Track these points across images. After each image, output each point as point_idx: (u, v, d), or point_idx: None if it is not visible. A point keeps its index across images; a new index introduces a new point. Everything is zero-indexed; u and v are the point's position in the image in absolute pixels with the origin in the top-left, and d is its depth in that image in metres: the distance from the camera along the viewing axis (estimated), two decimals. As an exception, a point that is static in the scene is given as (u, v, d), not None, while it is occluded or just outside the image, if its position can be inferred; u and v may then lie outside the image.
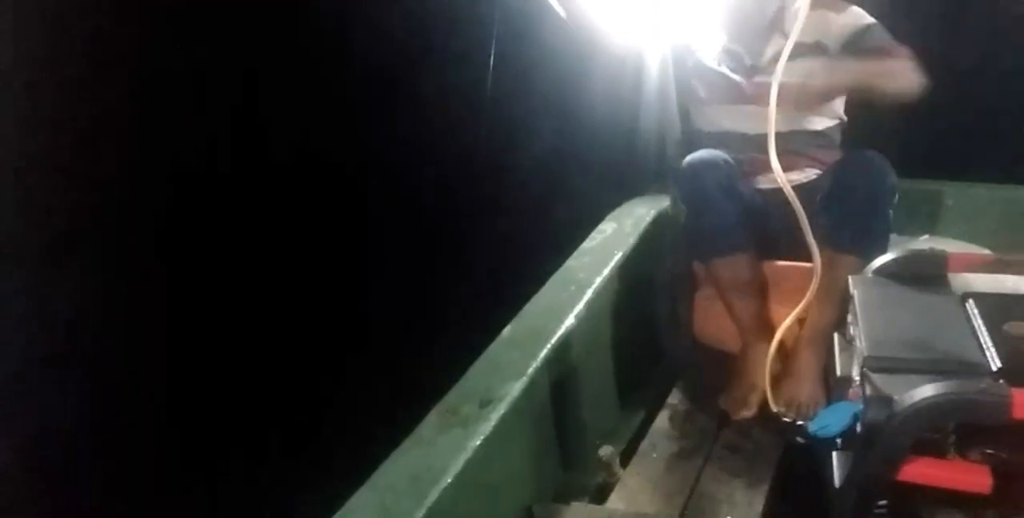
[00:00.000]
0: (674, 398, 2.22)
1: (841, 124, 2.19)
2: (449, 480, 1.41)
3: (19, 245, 2.75)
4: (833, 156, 2.14)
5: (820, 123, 2.14)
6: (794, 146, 2.06)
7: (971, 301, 1.31)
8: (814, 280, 1.45)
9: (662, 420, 2.13)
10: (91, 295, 2.75)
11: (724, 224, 2.01)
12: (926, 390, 1.04)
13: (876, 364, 1.15)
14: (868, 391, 1.11)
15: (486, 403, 1.61)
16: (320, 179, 3.24)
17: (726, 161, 2.05)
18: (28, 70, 2.92)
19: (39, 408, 2.40)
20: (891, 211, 1.95)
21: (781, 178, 1.76)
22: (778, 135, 1.88)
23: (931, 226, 2.52)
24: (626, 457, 2.00)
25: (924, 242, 2.30)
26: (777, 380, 1.80)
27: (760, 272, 2.07)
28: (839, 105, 2.16)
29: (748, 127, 2.08)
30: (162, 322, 2.78)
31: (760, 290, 2.08)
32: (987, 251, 2.20)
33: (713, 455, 1.97)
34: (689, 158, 2.11)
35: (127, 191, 3.07)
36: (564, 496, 1.82)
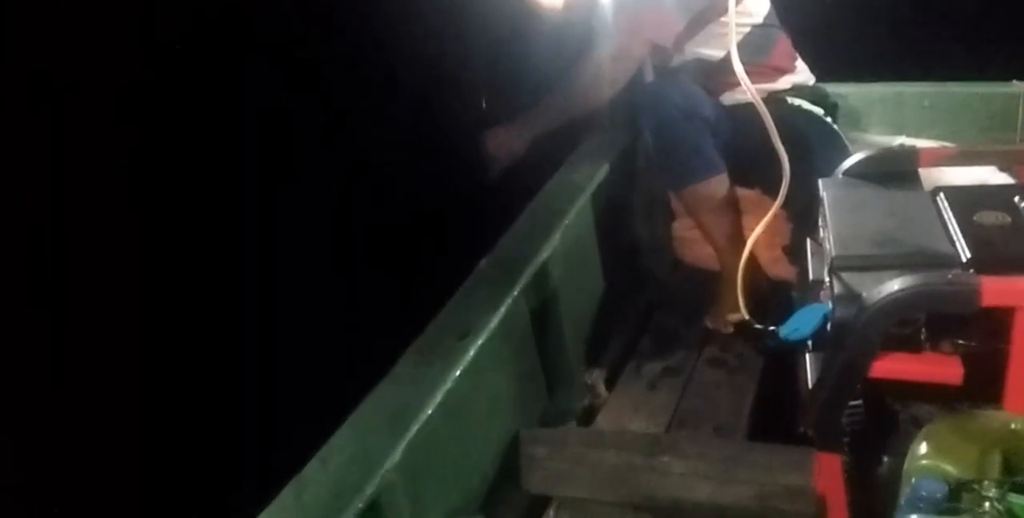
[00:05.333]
0: (657, 319, 2.23)
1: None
2: (429, 412, 1.40)
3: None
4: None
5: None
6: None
7: (941, 194, 1.28)
8: (783, 184, 1.42)
9: (645, 342, 2.14)
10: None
11: (690, 149, 1.96)
12: (893, 284, 1.02)
13: (844, 263, 1.13)
14: (836, 290, 1.09)
15: (464, 335, 1.59)
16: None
17: (686, 84, 2.00)
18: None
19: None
20: None
21: (748, 86, 1.70)
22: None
23: (905, 127, 2.49)
24: (611, 380, 2.01)
25: (898, 142, 2.27)
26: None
27: (732, 192, 2.04)
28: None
29: (708, 49, 2.03)
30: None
31: (734, 208, 2.05)
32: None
33: (696, 371, 1.99)
34: (648, 86, 2.07)
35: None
36: (550, 420, 1.83)
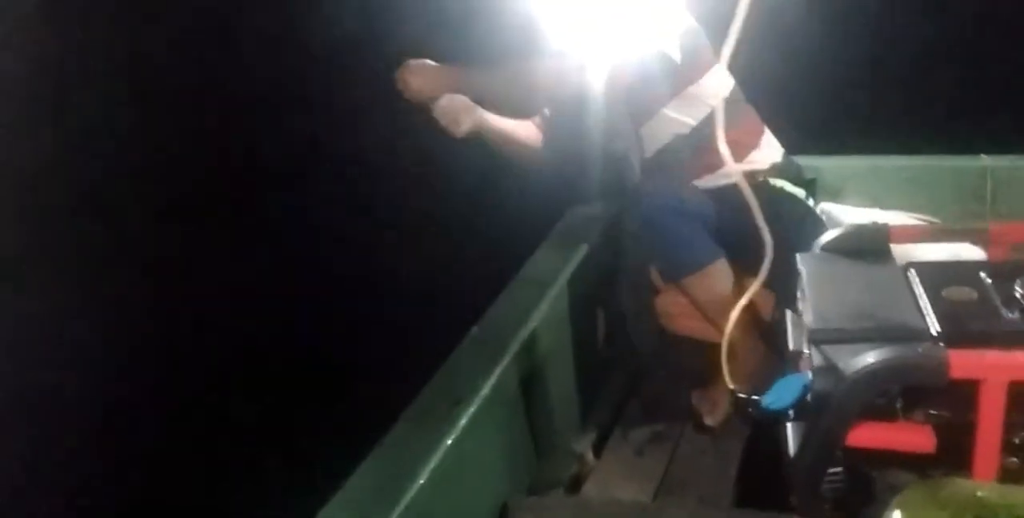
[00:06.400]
0: (644, 386, 2.26)
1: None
2: (423, 481, 1.42)
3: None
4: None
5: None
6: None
7: (912, 270, 1.35)
8: (766, 262, 1.49)
9: (633, 408, 2.17)
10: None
11: (683, 244, 1.99)
12: (868, 357, 1.08)
13: (822, 336, 1.19)
14: (815, 362, 1.14)
15: (455, 403, 1.62)
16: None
17: (670, 178, 2.06)
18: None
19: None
20: None
21: (737, 173, 1.73)
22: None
23: (880, 200, 2.57)
24: (599, 446, 2.03)
25: (873, 216, 2.35)
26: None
27: (731, 275, 2.04)
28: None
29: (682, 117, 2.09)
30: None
31: (737, 290, 2.02)
32: (936, 221, 2.26)
33: (684, 438, 2.02)
34: (634, 188, 2.12)
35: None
36: (539, 489, 1.85)
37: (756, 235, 1.60)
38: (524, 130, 2.28)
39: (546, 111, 2.28)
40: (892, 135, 2.88)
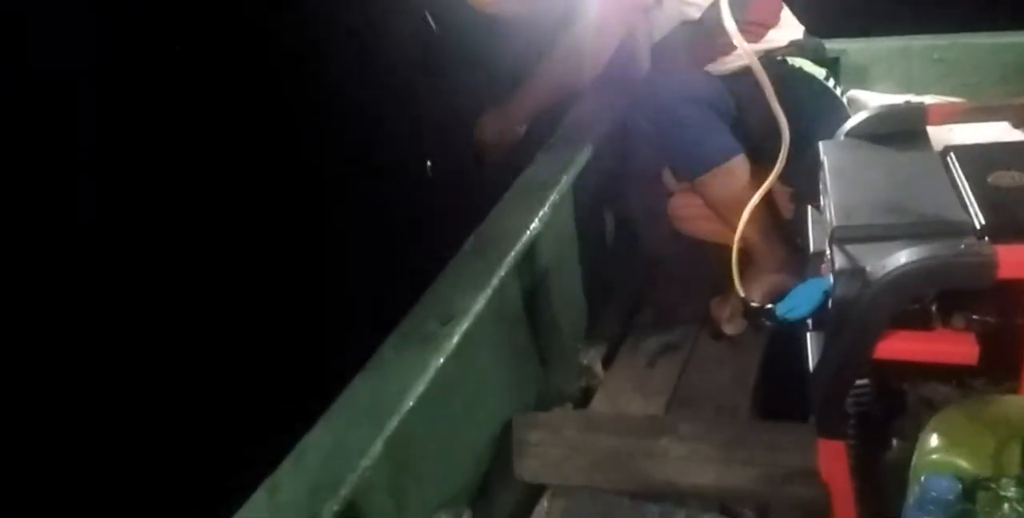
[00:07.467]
0: (656, 293, 2.14)
1: None
2: (411, 403, 1.32)
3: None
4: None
5: None
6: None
7: (952, 154, 1.18)
8: (782, 151, 1.32)
9: (644, 317, 2.06)
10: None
11: (698, 137, 1.84)
12: (900, 257, 0.93)
13: (846, 234, 1.03)
14: (838, 264, 0.99)
15: (448, 319, 1.50)
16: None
17: (679, 64, 1.90)
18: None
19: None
20: None
21: (744, 48, 1.56)
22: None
23: (913, 84, 2.37)
24: (609, 358, 1.93)
25: (904, 100, 2.15)
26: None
27: (751, 171, 1.89)
28: None
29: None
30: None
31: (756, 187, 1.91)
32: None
33: (698, 347, 1.90)
34: (643, 79, 1.96)
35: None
36: (545, 404, 1.75)
37: (773, 123, 1.42)
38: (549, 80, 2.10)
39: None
40: (924, 13, 2.62)
